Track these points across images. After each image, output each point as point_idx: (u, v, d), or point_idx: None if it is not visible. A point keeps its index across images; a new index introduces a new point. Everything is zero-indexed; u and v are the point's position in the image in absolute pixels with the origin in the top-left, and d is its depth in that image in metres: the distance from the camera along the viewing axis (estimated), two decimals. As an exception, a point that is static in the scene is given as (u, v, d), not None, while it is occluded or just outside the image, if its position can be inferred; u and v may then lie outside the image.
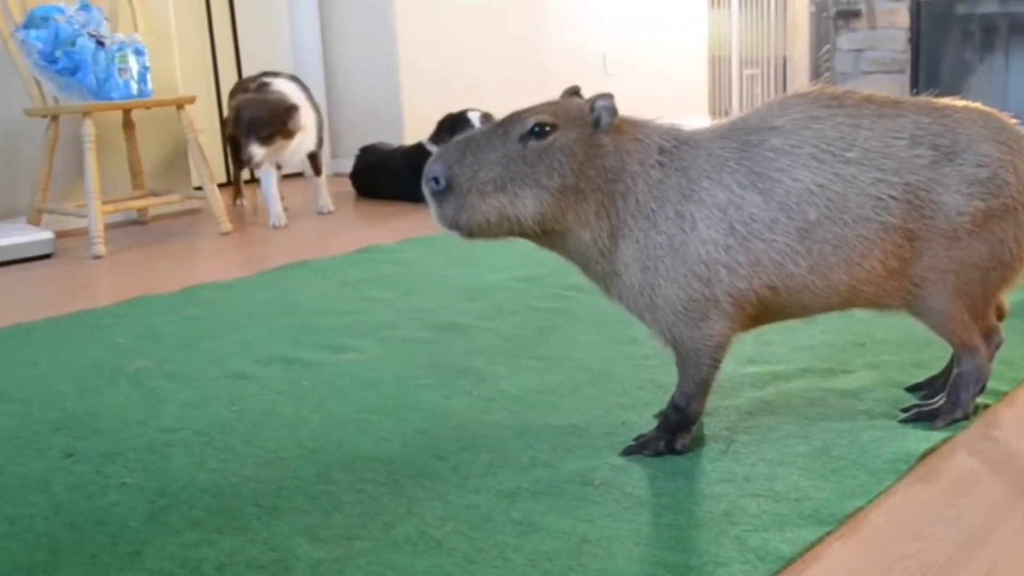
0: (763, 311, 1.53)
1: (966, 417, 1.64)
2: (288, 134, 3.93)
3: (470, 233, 1.46)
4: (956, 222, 1.50)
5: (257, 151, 3.84)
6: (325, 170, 4.42)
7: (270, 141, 3.86)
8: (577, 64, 6.02)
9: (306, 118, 4.07)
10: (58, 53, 3.66)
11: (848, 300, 1.56)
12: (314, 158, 4.31)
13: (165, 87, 4.24)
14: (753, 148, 1.50)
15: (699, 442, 1.60)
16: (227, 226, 3.90)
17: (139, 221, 4.28)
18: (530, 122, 1.45)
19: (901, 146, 1.50)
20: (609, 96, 1.48)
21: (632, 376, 1.94)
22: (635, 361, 2.02)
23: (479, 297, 2.64)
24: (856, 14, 5.92)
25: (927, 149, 1.50)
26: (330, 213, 4.25)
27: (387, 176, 4.57)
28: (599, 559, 1.26)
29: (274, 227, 3.96)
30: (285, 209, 4.14)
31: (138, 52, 3.79)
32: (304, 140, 4.08)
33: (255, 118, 3.84)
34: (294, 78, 4.33)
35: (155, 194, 4.16)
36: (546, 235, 1.49)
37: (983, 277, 1.55)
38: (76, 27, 3.68)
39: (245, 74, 4.91)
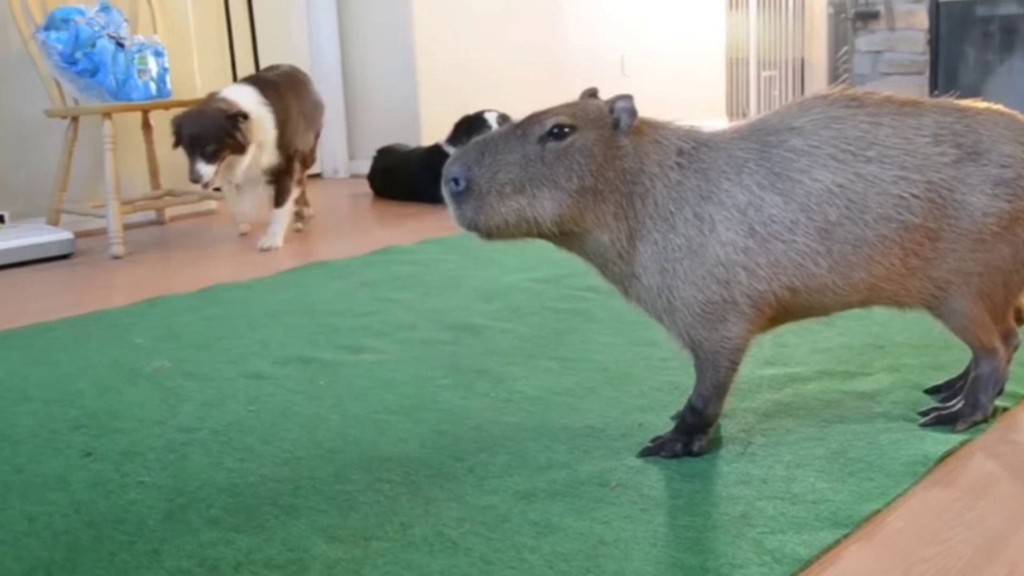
0: (782, 312, 1.53)
1: (985, 419, 1.63)
2: (238, 148, 3.35)
3: (489, 234, 1.46)
4: (981, 223, 1.49)
5: (204, 169, 3.29)
6: (343, 170, 4.18)
7: (217, 157, 3.30)
8: (595, 66, 6.02)
9: (263, 129, 3.48)
10: (78, 55, 3.69)
11: (868, 297, 1.55)
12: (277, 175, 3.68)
13: (184, 88, 4.26)
14: (773, 149, 1.50)
15: (716, 444, 1.60)
16: (245, 227, 3.92)
17: (157, 221, 4.31)
18: (549, 123, 1.44)
19: (923, 143, 1.49)
20: (629, 97, 1.47)
21: (650, 378, 1.94)
22: (653, 363, 2.02)
23: (497, 298, 2.64)
24: (875, 15, 5.89)
25: (950, 147, 1.49)
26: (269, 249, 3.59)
27: (404, 177, 4.58)
28: (616, 560, 1.25)
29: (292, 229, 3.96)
30: (306, 206, 4.10)
31: (157, 53, 3.82)
32: (262, 154, 3.50)
33: (195, 134, 3.29)
34: (258, 81, 3.64)
35: (173, 195, 4.18)
36: (564, 236, 1.49)
37: (1006, 280, 1.54)
38: (96, 29, 3.71)
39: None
